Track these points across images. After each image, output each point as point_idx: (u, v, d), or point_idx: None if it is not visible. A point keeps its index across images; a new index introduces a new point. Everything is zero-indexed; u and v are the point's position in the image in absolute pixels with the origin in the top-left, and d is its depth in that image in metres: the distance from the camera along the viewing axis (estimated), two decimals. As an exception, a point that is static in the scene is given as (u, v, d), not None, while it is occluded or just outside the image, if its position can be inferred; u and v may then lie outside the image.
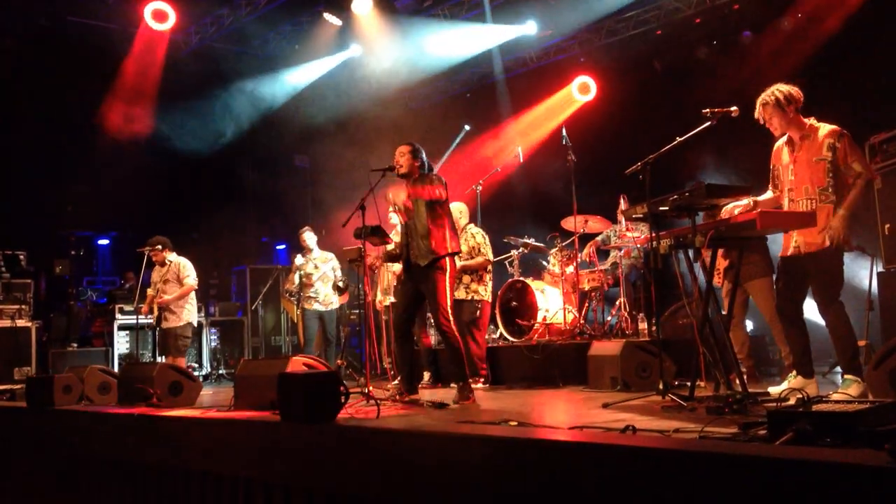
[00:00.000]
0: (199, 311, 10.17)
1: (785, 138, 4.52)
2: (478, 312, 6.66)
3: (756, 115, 4.45)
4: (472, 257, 6.68)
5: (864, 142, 5.52)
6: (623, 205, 7.53)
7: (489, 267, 6.79)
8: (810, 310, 4.49)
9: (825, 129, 4.35)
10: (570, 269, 7.48)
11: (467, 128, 12.22)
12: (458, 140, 11.75)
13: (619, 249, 7.47)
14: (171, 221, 9.25)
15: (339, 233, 8.11)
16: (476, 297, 6.65)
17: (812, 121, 4.42)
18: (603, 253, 7.86)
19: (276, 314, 11.47)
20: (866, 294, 6.11)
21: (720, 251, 5.50)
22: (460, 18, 10.53)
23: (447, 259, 5.04)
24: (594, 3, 9.58)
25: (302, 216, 11.59)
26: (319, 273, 8.62)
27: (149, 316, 7.92)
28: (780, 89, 4.38)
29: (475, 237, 6.74)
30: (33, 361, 9.17)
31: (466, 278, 6.65)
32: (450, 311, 5.03)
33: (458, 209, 6.71)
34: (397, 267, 6.16)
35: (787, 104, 4.35)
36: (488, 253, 6.75)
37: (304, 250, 8.72)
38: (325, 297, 8.63)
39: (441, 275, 5.02)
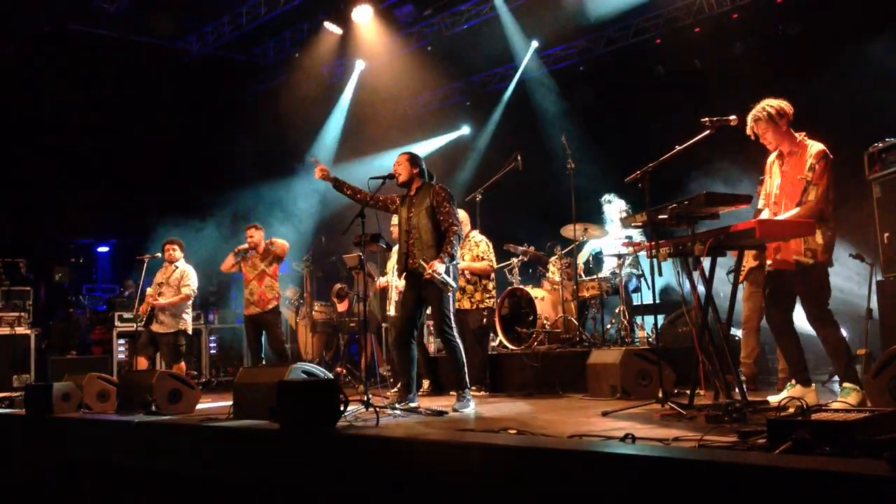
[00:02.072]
0: (198, 318, 10.17)
1: (777, 152, 4.52)
2: (484, 321, 6.66)
3: (748, 131, 4.43)
4: None
5: (863, 151, 5.50)
6: (620, 214, 7.53)
7: (492, 275, 6.79)
8: (802, 319, 4.47)
9: (813, 147, 4.33)
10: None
11: (466, 130, 12.30)
12: (452, 138, 11.85)
13: (619, 257, 7.46)
14: (170, 229, 9.24)
15: (339, 240, 8.11)
16: (482, 306, 6.65)
17: (803, 136, 4.41)
18: (598, 262, 7.85)
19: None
20: (865, 303, 6.10)
21: (752, 252, 5.46)
22: (463, 24, 10.57)
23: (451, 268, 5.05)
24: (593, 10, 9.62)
25: (302, 223, 11.58)
26: (256, 272, 7.78)
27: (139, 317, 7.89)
28: (770, 104, 4.36)
29: (479, 245, 6.74)
30: (32, 369, 9.16)
31: (469, 288, 6.64)
32: (452, 319, 5.03)
33: (459, 218, 6.69)
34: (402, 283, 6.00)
35: (780, 118, 4.34)
36: (492, 260, 6.75)
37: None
38: (260, 298, 7.72)
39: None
